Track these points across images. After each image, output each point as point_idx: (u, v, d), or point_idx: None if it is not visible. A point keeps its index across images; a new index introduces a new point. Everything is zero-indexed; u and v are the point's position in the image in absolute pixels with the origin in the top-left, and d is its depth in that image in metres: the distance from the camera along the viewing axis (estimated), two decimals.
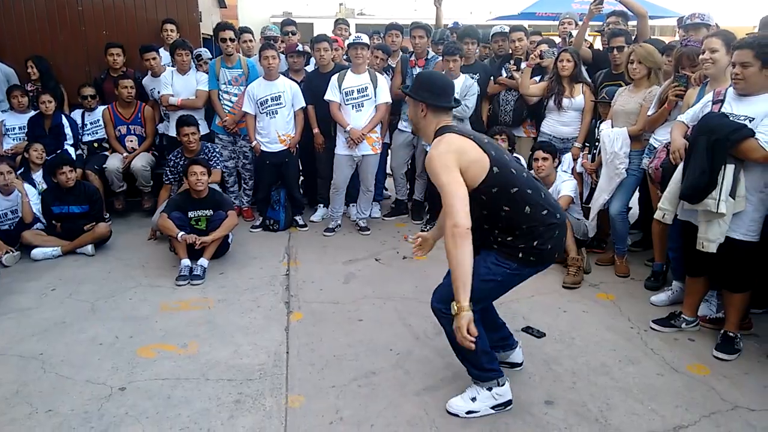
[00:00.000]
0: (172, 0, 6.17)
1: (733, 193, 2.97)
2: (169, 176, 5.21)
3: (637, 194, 4.73)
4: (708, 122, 3.08)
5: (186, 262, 4.31)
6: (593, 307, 3.90)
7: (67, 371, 3.08)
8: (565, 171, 4.79)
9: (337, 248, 5.02)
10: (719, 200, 2.95)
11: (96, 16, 6.06)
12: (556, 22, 11.33)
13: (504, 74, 5.37)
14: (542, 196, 2.54)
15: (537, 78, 5.16)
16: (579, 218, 4.69)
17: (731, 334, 3.28)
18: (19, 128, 5.54)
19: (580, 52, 5.01)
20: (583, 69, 4.98)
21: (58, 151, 5.34)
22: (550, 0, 11.45)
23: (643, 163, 4.17)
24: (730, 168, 2.95)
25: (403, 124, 5.55)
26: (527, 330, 3.54)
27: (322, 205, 5.83)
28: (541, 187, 2.59)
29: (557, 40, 5.92)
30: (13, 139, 5.54)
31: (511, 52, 5.43)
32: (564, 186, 4.59)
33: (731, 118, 3.02)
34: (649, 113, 4.06)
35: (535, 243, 2.49)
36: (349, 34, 6.70)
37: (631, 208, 4.82)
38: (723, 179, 2.95)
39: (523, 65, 5.08)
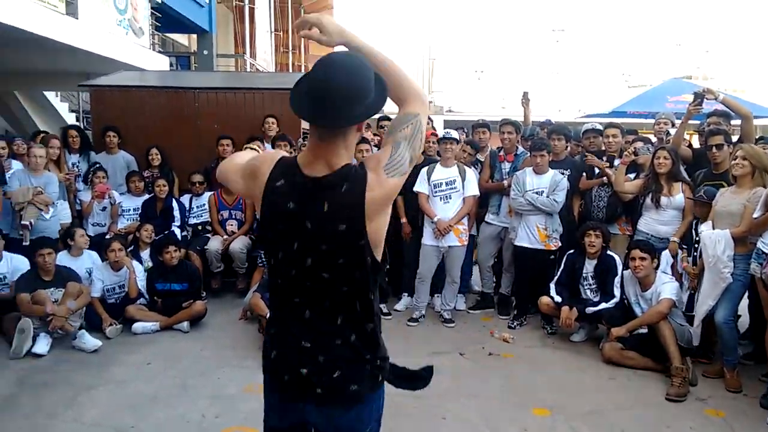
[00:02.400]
0: (278, 97, 6.69)
1: None
2: (263, 259, 5.44)
3: (746, 300, 4.38)
4: None
5: None
6: (701, 424, 3.55)
7: None
8: (664, 272, 4.55)
9: (420, 339, 4.94)
10: None
11: (210, 111, 6.66)
12: (648, 121, 11.26)
13: (596, 171, 5.32)
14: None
15: (631, 176, 5.06)
16: (682, 324, 4.37)
17: None
18: (134, 210, 6.04)
19: (679, 151, 4.90)
20: (682, 168, 4.84)
21: (166, 232, 5.75)
22: (642, 99, 11.40)
23: (751, 269, 3.90)
24: None
25: (490, 217, 5.59)
26: None
27: (406, 294, 5.82)
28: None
29: (653, 139, 5.83)
30: (127, 219, 6.03)
31: (603, 148, 5.39)
32: (665, 288, 4.35)
33: None
34: (755, 216, 3.84)
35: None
36: (433, 129, 6.99)
37: (740, 315, 4.47)
38: None
39: (616, 162, 5.02)
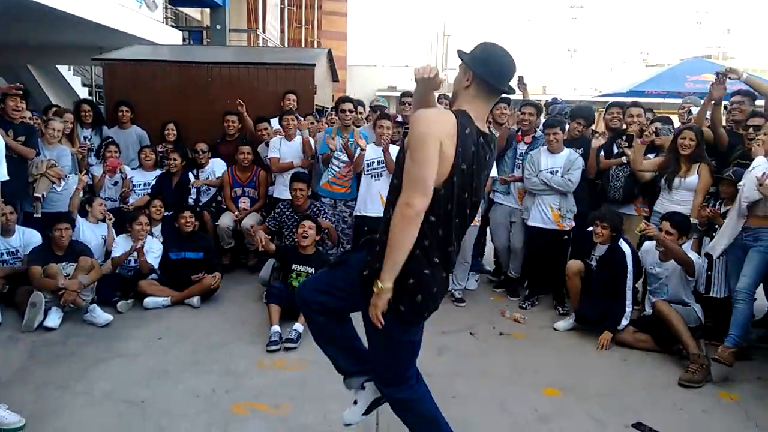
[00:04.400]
0: (292, 75, 6.62)
1: None
2: (270, 221, 5.42)
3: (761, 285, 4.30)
4: None
5: (275, 328, 4.29)
6: (715, 407, 3.51)
7: (165, 422, 3.16)
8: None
9: (430, 318, 4.90)
10: None
11: (223, 87, 6.61)
12: (666, 100, 11.04)
13: (615, 150, 5.21)
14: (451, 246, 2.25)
15: (651, 155, 4.96)
16: (688, 303, 4.31)
17: None
18: (144, 185, 6.02)
19: (719, 132, 4.79)
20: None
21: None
22: (661, 78, 11.18)
23: None
24: None
25: (499, 197, 5.48)
26: (638, 427, 3.23)
27: None
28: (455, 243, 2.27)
29: (674, 119, 5.71)
30: (138, 194, 6.00)
31: (625, 127, 5.28)
32: (689, 253, 4.29)
33: None
34: None
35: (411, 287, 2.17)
36: None
37: (755, 299, 4.38)
38: None
39: (637, 141, 4.91)
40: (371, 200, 5.37)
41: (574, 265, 4.78)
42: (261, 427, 3.13)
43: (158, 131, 6.31)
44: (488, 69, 2.20)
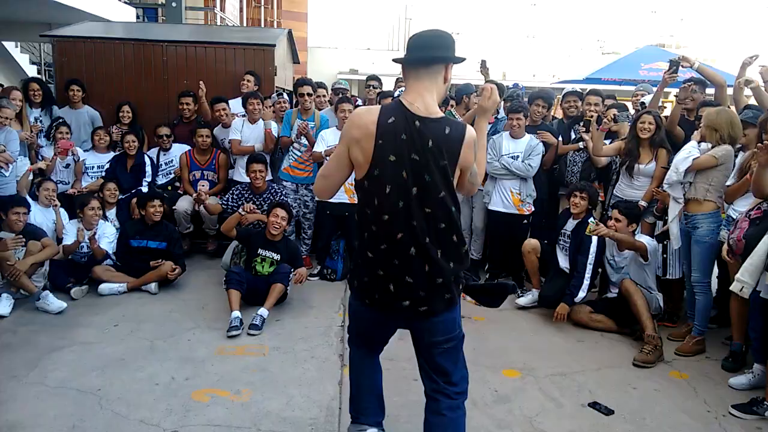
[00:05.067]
0: (251, 54, 6.47)
1: None
2: (229, 203, 5.30)
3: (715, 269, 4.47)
4: None
5: (236, 314, 4.22)
6: (666, 385, 3.65)
7: (122, 409, 3.09)
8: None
9: None
10: None
11: (179, 66, 6.42)
12: (622, 88, 11.29)
13: (573, 136, 5.31)
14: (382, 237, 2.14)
15: (606, 141, 5.07)
16: (651, 290, 4.45)
17: None
18: (98, 167, 5.82)
19: (675, 130, 4.91)
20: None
21: (134, 190, 5.60)
22: (616, 66, 11.38)
23: (721, 235, 3.97)
24: None
25: None
26: (594, 406, 3.33)
27: None
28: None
29: (629, 106, 5.84)
30: (91, 177, 5.80)
31: (582, 114, 5.38)
32: (640, 237, 4.41)
33: None
34: (728, 183, 3.92)
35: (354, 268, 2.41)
36: None
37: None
38: None
39: (595, 127, 5.00)
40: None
41: (530, 243, 4.86)
42: (222, 413, 3.10)
43: (111, 111, 6.10)
44: (406, 48, 2.21)
